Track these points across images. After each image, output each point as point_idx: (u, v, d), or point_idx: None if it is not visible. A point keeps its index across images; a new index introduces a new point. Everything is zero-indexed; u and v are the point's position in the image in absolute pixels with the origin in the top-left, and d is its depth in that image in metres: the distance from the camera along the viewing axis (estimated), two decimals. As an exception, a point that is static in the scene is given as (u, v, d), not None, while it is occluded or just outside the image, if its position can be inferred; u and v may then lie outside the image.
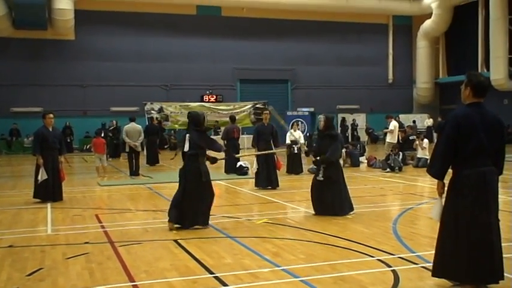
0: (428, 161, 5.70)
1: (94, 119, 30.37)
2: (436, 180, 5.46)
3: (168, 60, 34.89)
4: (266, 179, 13.84)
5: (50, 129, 12.26)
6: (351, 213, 9.84)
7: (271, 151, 14.03)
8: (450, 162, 5.21)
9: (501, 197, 12.03)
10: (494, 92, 31.10)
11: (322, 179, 9.76)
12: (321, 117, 10.16)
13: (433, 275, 5.49)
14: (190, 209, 8.79)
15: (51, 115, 12.40)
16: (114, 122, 28.18)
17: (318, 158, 9.97)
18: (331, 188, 9.72)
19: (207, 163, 9.24)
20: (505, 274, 5.91)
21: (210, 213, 9.11)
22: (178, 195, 8.93)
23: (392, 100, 38.46)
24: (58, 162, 12.38)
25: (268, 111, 14.92)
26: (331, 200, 9.70)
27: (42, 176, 11.92)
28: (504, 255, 6.70)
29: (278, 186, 14.01)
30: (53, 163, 12.17)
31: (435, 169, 5.31)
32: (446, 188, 5.36)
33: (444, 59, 38.83)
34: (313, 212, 9.95)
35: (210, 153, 9.33)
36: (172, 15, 34.72)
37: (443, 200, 5.34)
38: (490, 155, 5.19)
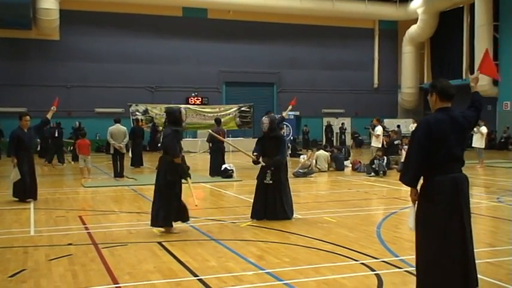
0: (401, 169, 5.56)
1: (78, 120, 30.16)
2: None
3: (154, 61, 34.82)
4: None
5: (25, 131, 12.43)
6: (293, 217, 9.83)
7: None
8: (423, 169, 5.09)
9: (483, 202, 12.17)
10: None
11: (270, 182, 9.63)
12: (265, 120, 9.85)
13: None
14: (158, 208, 8.61)
15: (28, 117, 12.60)
16: (77, 123, 28.24)
17: (270, 162, 9.69)
18: (280, 190, 9.67)
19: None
20: (488, 279, 5.97)
21: (194, 216, 9.07)
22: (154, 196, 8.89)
23: (377, 105, 38.64)
24: (33, 162, 12.68)
25: (269, 113, 14.86)
26: (280, 202, 9.65)
27: (15, 176, 12.07)
28: (487, 260, 6.79)
29: None
30: (28, 163, 12.38)
31: (408, 177, 5.17)
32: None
33: (429, 65, 39.10)
34: (293, 216, 9.91)
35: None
36: (158, 16, 34.68)
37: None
38: (460, 160, 5.15)
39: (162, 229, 8.75)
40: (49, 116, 12.67)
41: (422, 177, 5.16)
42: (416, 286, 5.23)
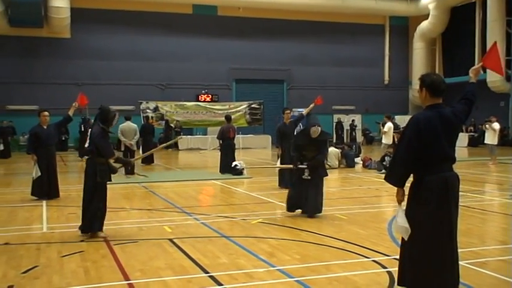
0: (388, 168, 5.38)
1: (88, 118, 30.26)
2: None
3: (164, 59, 34.86)
4: (290, 178, 13.79)
5: (45, 127, 12.31)
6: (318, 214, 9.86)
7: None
8: (411, 169, 4.96)
9: (496, 199, 12.11)
10: (491, 94, 31.20)
11: (309, 178, 9.74)
12: (317, 129, 9.86)
13: (398, 284, 5.24)
14: (86, 211, 8.28)
15: (46, 113, 12.43)
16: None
17: (312, 163, 9.82)
18: (317, 185, 9.76)
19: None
20: (501, 276, 5.95)
21: (205, 213, 9.06)
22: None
23: (388, 101, 38.50)
24: (54, 159, 12.51)
25: (289, 111, 14.82)
26: (314, 197, 9.71)
27: (36, 173, 11.99)
28: (499, 258, 6.76)
29: None
30: (47, 160, 12.21)
31: (395, 177, 5.04)
32: (406, 196, 5.12)
33: (441, 61, 38.86)
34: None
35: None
36: (168, 14, 34.71)
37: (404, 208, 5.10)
38: (451, 159, 5.00)
39: (102, 234, 8.38)
40: (70, 112, 12.26)
41: (412, 177, 5.03)
42: (400, 282, 5.15)
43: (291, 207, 9.98)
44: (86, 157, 8.58)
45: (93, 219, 8.24)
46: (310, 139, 9.90)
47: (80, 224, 8.40)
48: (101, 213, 8.33)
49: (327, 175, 10.12)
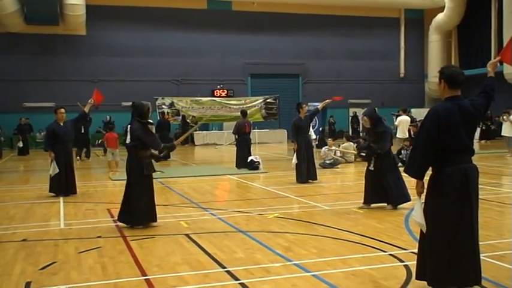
0: (407, 160, 5.37)
1: (106, 114, 30.43)
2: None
3: (179, 55, 34.94)
4: (306, 173, 13.82)
5: (61, 124, 12.38)
6: (404, 203, 9.81)
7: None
8: (431, 161, 4.95)
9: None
10: (508, 86, 30.90)
11: (373, 169, 9.91)
12: (365, 118, 10.11)
13: (416, 278, 5.23)
14: (136, 205, 8.51)
15: (63, 110, 12.51)
16: (108, 117, 28.34)
17: (368, 153, 10.09)
18: (384, 177, 9.79)
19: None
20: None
21: (221, 208, 9.08)
22: (124, 192, 8.74)
23: (404, 94, 38.33)
24: (71, 156, 12.63)
25: (305, 105, 14.81)
26: (382, 188, 9.80)
27: (54, 170, 12.06)
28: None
29: (316, 179, 14.01)
30: (65, 157, 12.29)
31: (415, 169, 5.02)
32: (426, 188, 5.11)
33: (456, 53, 38.58)
34: (325, 207, 9.94)
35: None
36: (183, 9, 34.77)
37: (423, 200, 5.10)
38: (470, 151, 4.99)
39: (155, 224, 8.71)
40: (86, 109, 12.44)
41: (431, 169, 5.01)
42: (418, 276, 5.14)
43: (365, 200, 10.08)
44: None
45: (137, 211, 8.51)
46: (373, 132, 10.05)
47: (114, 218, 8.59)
48: (147, 205, 8.56)
49: (392, 167, 10.01)
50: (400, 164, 17.47)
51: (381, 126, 10.08)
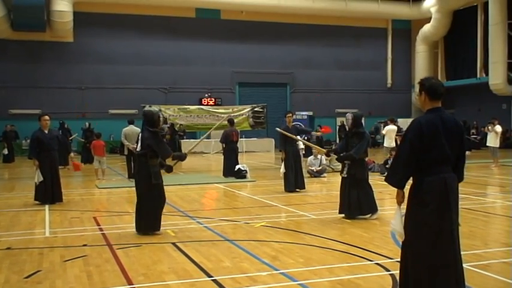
0: (388, 169, 5.40)
1: (92, 122, 30.31)
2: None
3: (167, 63, 34.94)
4: (294, 182, 13.84)
5: (46, 132, 12.30)
6: (376, 214, 9.85)
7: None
8: (412, 171, 4.99)
9: (498, 202, 12.09)
10: (493, 96, 31.14)
11: (345, 176, 9.87)
12: (349, 116, 10.18)
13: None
14: (144, 213, 8.62)
15: (47, 117, 12.42)
16: (87, 124, 27.96)
17: (342, 154, 10.02)
18: (356, 186, 9.77)
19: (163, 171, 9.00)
20: (504, 279, 5.93)
21: (208, 217, 9.07)
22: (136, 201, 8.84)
23: (391, 104, 38.54)
24: (56, 163, 12.48)
25: (291, 114, 14.88)
26: (355, 198, 9.74)
27: (38, 178, 11.99)
28: (502, 260, 6.74)
29: (304, 188, 14.03)
30: (50, 165, 12.20)
31: (397, 178, 5.06)
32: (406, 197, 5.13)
33: (443, 64, 38.86)
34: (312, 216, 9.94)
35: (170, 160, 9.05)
36: (172, 17, 34.79)
37: (403, 210, 5.12)
38: (451, 162, 5.02)
39: (158, 232, 8.72)
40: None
41: (411, 178, 5.04)
42: (402, 286, 5.13)
43: (340, 209, 10.03)
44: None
45: (150, 219, 8.61)
46: (351, 133, 10.08)
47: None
48: (154, 213, 8.64)
49: (364, 177, 10.01)
50: (386, 173, 17.60)
51: (361, 128, 10.17)
